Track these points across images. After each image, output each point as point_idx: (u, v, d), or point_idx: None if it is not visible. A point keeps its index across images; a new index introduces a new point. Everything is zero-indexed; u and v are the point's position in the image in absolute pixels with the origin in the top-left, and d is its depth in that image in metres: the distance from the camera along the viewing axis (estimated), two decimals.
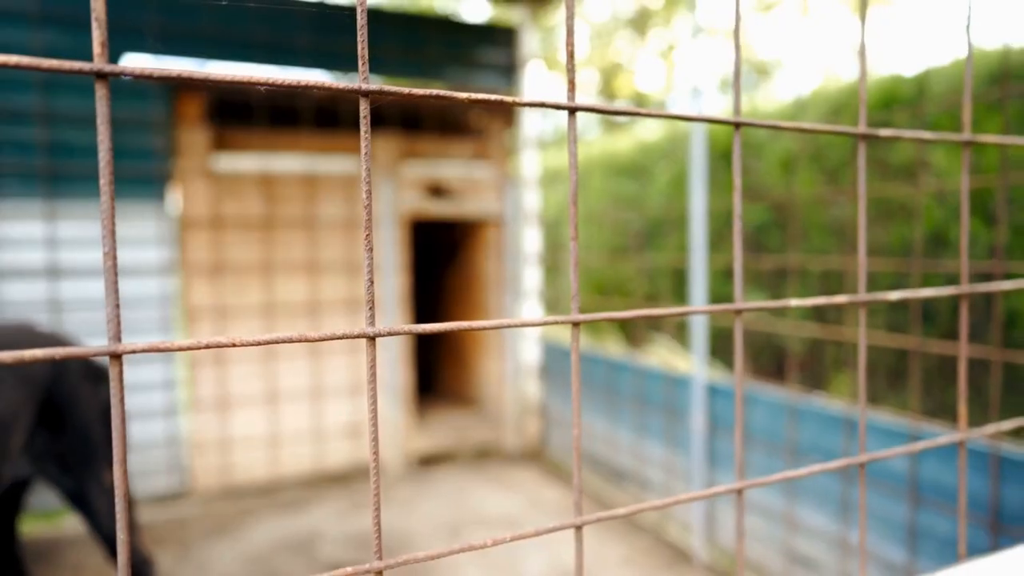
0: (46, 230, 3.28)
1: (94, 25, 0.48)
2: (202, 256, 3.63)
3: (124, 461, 0.49)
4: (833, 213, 3.74)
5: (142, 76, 0.48)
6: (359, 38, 0.55)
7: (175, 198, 3.59)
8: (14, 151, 3.24)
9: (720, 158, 4.43)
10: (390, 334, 0.59)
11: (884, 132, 0.84)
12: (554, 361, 4.27)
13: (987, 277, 2.73)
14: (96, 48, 0.48)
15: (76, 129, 3.32)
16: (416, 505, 3.52)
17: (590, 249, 5.92)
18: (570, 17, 0.65)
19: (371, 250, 0.60)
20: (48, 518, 3.41)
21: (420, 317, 5.36)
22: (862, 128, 0.83)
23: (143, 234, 3.48)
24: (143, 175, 3.49)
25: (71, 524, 3.32)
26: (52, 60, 0.46)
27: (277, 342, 0.54)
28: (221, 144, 3.73)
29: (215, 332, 3.67)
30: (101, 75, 0.48)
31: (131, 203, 3.46)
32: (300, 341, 0.55)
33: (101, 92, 0.48)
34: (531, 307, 4.50)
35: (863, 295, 0.85)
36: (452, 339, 5.19)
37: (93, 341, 3.29)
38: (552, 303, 6.01)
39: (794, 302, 0.79)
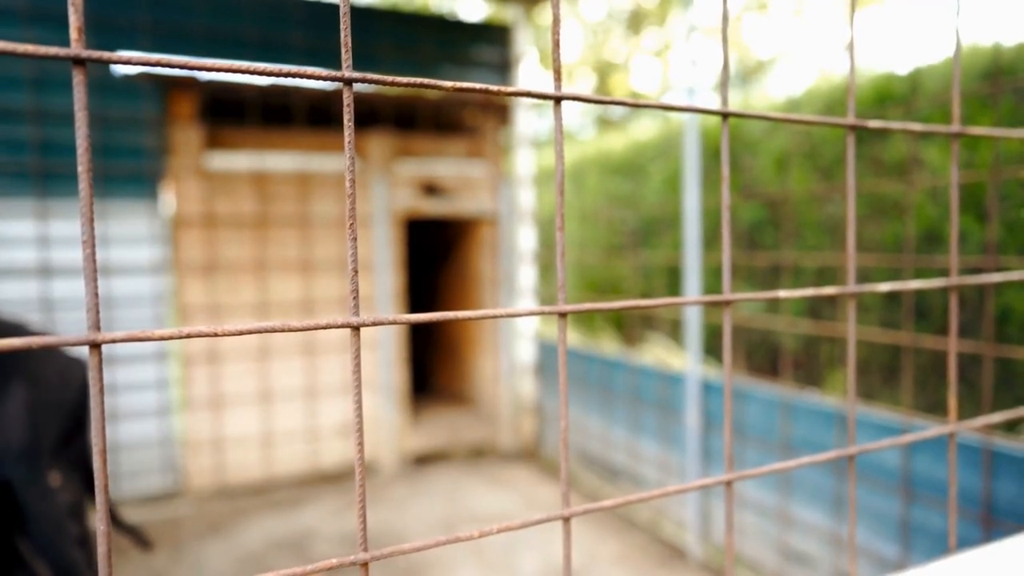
0: (38, 229, 3.26)
1: (71, 10, 0.47)
2: (195, 254, 3.62)
3: (104, 451, 0.48)
4: (827, 210, 3.75)
5: (119, 62, 0.48)
6: (342, 25, 0.55)
7: (168, 196, 3.58)
8: (5, 150, 3.23)
9: (714, 156, 4.43)
10: (375, 323, 0.58)
11: (872, 123, 0.84)
12: (549, 359, 4.27)
13: (979, 273, 2.73)
14: (73, 33, 0.47)
15: (68, 127, 3.30)
16: (411, 504, 3.51)
17: (585, 248, 5.91)
18: (556, 5, 0.65)
19: (355, 239, 0.59)
20: None
21: None
22: (851, 119, 0.83)
23: (136, 232, 3.47)
24: (136, 173, 3.47)
25: None
26: (28, 45, 0.46)
27: (260, 331, 0.54)
28: (214, 142, 3.72)
29: None
30: (79, 61, 0.47)
31: (124, 201, 3.45)
32: (285, 331, 0.55)
33: (78, 78, 0.47)
34: (526, 305, 4.49)
35: (852, 287, 0.84)
36: (446, 337, 5.18)
37: None
38: (547, 300, 6.00)
39: (783, 293, 0.79)
